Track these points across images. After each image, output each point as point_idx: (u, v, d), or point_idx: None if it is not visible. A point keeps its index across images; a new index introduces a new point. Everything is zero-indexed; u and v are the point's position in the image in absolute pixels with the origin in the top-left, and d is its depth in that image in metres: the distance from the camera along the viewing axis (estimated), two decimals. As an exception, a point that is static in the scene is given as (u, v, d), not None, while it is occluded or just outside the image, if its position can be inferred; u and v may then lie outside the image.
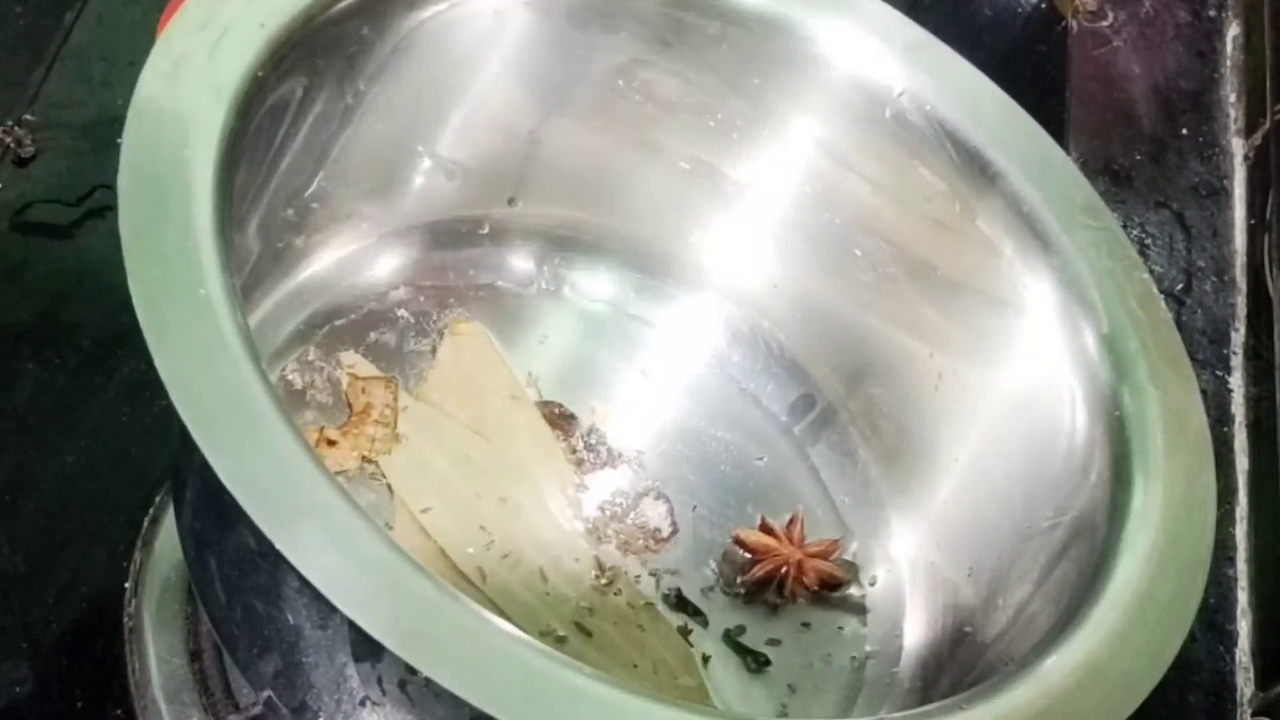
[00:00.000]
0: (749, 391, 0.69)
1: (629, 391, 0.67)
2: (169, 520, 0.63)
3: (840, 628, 0.63)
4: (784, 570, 0.62)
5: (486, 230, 0.67)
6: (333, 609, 0.40)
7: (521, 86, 0.64)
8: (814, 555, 0.63)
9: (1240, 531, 0.75)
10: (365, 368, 0.63)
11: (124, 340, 0.68)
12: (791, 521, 0.64)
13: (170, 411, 0.42)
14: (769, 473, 0.67)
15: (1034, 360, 0.60)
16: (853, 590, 0.64)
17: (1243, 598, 0.73)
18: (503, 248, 0.68)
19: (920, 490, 0.65)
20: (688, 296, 0.69)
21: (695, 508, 0.64)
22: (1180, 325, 0.79)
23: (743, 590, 0.62)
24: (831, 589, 0.63)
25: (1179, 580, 0.51)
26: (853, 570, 0.64)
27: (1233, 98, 0.93)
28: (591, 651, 0.58)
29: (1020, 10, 0.96)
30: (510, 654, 0.41)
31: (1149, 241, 0.86)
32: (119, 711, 0.59)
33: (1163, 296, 0.60)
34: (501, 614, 0.57)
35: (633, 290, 0.69)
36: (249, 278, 0.57)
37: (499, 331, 0.66)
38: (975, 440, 0.63)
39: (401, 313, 0.65)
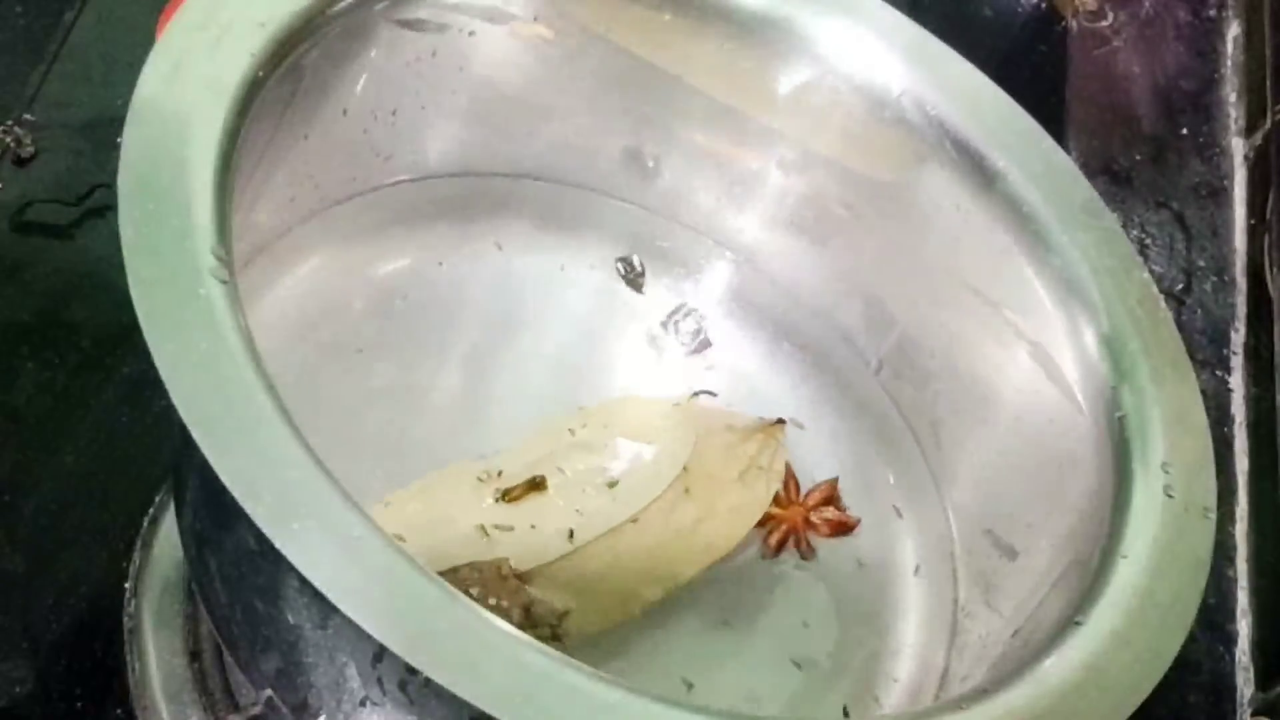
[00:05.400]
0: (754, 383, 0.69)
1: (635, 377, 0.67)
2: (169, 520, 0.63)
3: (841, 628, 0.63)
4: (794, 530, 0.63)
5: (485, 229, 0.67)
6: (333, 609, 0.40)
7: (516, 89, 0.64)
8: (817, 505, 0.63)
9: (1240, 531, 0.75)
10: None
11: (124, 340, 0.67)
12: (786, 485, 0.64)
13: (170, 411, 0.42)
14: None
15: (1034, 360, 0.60)
16: (855, 590, 0.64)
17: (1243, 598, 0.73)
18: (503, 246, 0.68)
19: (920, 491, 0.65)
20: (689, 294, 0.69)
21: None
22: (1180, 325, 0.79)
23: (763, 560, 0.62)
24: (844, 532, 0.64)
25: (1179, 580, 0.51)
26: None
27: (1233, 98, 0.93)
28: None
29: (1020, 10, 0.96)
30: (510, 654, 0.41)
31: (1149, 241, 0.86)
32: (119, 711, 0.59)
33: (1163, 296, 0.60)
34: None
35: (637, 279, 0.69)
36: (249, 277, 0.57)
37: (502, 323, 0.66)
38: (975, 440, 0.63)
39: (400, 309, 0.65)
